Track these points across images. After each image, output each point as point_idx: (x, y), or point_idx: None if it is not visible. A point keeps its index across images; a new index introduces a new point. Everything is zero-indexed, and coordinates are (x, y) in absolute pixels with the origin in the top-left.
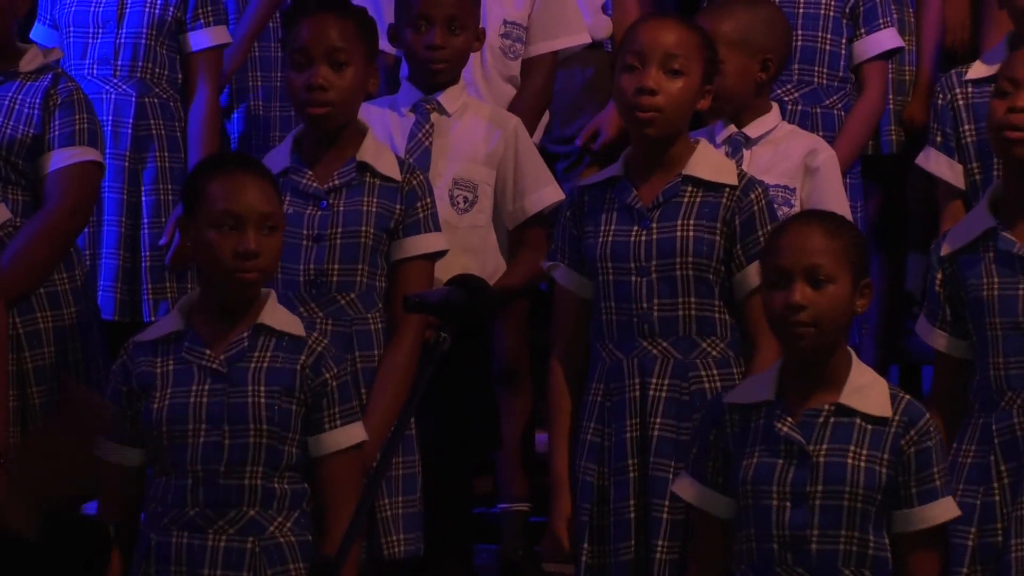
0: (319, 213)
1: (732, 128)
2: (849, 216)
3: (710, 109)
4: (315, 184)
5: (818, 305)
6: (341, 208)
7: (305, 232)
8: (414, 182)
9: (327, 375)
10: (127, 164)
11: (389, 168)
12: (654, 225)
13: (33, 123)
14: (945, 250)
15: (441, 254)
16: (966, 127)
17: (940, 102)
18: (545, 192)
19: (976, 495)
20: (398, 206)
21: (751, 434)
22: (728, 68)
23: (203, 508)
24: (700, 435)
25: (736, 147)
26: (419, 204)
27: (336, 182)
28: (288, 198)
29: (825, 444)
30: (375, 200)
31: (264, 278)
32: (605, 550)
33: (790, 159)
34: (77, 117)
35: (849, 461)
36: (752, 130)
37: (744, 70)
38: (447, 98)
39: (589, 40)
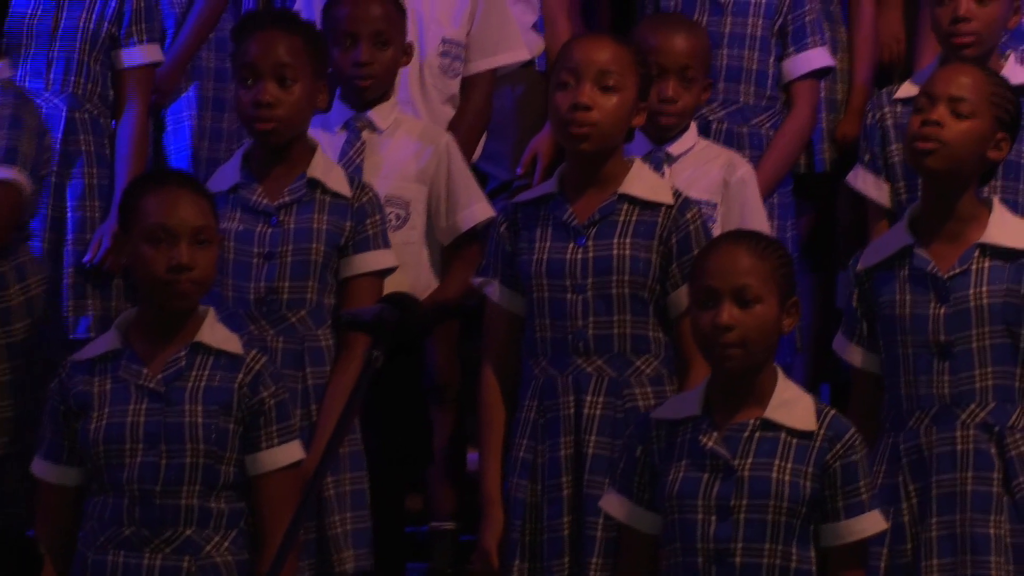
0: (270, 230)
1: (651, 145)
2: (767, 228)
3: (664, 126)
4: (265, 200)
5: (746, 325)
6: (292, 225)
7: (256, 250)
8: (364, 199)
9: (264, 393)
10: (53, 179)
11: (339, 184)
12: (590, 243)
13: None
14: (862, 265)
15: (390, 271)
16: (893, 146)
17: (868, 121)
18: (477, 208)
19: (886, 515)
20: (348, 223)
21: (677, 449)
22: (699, 86)
23: (139, 527)
24: (627, 451)
25: (657, 163)
26: (368, 221)
27: (286, 198)
28: (238, 215)
29: (750, 458)
30: (325, 217)
31: (199, 291)
32: (537, 567)
33: (709, 175)
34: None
35: (774, 475)
36: (675, 148)
37: (705, 87)
38: (378, 115)
39: (528, 56)
